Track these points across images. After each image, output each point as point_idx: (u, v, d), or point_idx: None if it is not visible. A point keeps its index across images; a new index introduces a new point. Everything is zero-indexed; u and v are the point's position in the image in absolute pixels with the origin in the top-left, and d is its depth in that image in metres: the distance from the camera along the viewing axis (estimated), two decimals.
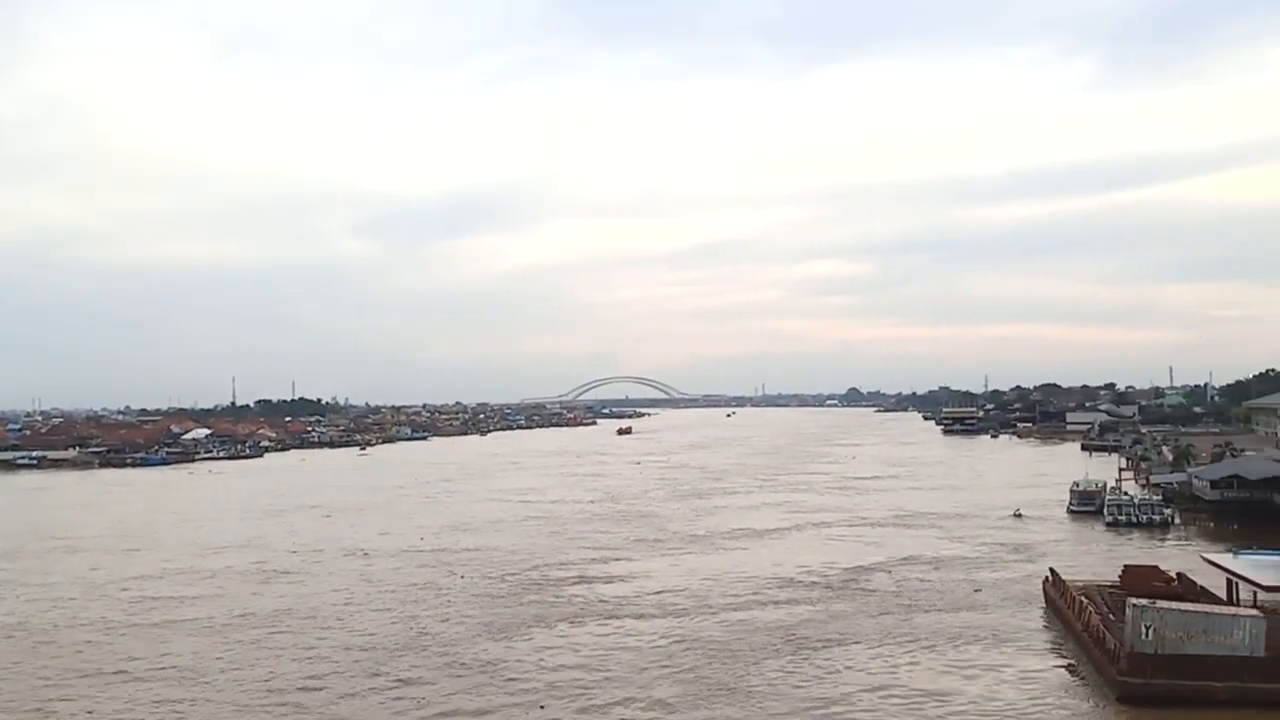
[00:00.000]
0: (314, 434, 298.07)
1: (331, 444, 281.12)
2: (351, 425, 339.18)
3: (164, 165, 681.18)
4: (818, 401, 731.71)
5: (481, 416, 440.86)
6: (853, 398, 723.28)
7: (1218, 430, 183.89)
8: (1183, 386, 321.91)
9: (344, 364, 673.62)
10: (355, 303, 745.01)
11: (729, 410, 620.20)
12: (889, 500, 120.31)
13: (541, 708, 43.18)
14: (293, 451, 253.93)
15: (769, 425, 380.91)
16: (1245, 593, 55.55)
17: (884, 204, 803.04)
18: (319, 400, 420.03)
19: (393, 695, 45.41)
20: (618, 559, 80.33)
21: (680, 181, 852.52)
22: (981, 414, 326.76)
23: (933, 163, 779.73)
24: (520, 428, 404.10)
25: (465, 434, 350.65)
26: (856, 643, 52.71)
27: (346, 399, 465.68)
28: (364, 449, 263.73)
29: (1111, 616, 51.82)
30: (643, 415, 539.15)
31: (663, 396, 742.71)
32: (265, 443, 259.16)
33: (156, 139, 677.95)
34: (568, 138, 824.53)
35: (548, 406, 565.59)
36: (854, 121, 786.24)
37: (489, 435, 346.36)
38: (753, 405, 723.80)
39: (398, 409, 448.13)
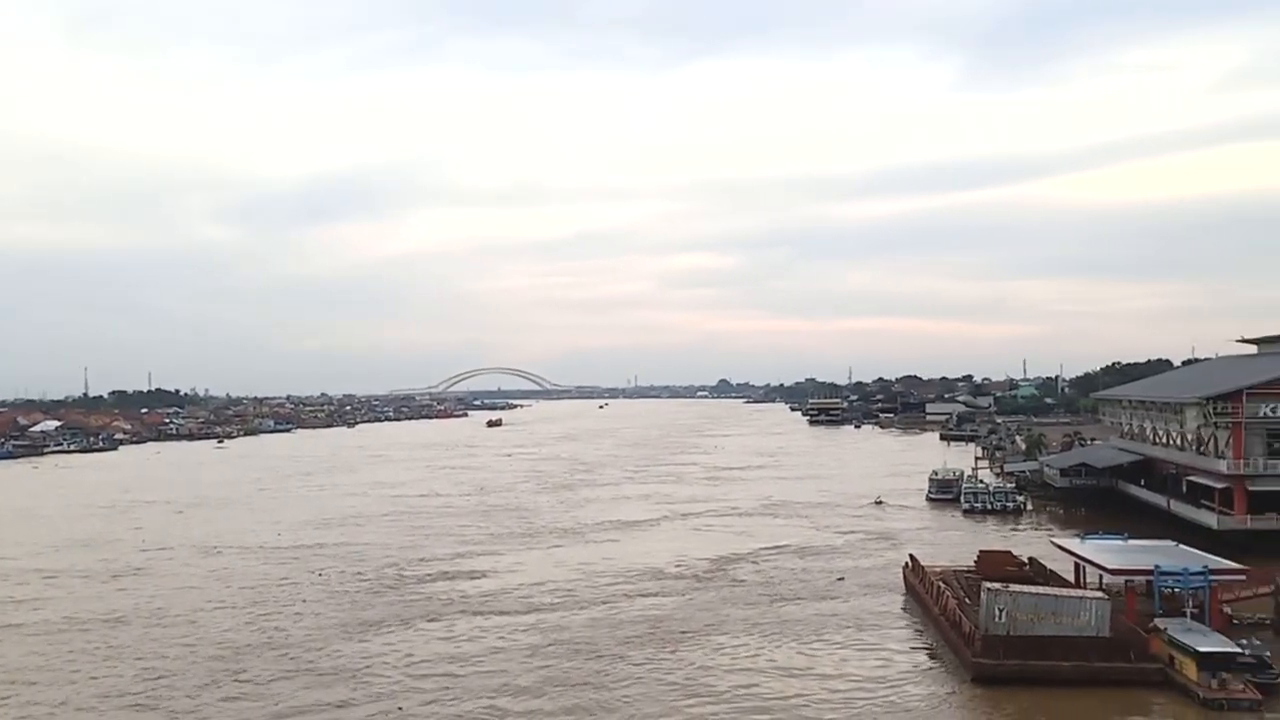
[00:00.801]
0: (172, 426, 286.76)
1: (190, 436, 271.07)
2: (212, 417, 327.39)
3: (10, 146, 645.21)
4: (689, 393, 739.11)
5: (348, 408, 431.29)
6: (723, 389, 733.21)
7: (1068, 420, 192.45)
8: (1036, 378, 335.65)
9: (205, 354, 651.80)
10: (217, 291, 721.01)
11: (602, 402, 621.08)
12: (756, 490, 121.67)
13: (399, 708, 41.71)
14: (149, 444, 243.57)
15: (641, 416, 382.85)
16: (1092, 575, 57.76)
17: (753, 199, 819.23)
18: (177, 391, 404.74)
19: (239, 697, 43.27)
20: (484, 553, 78.84)
21: (555, 172, 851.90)
22: (846, 405, 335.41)
23: (799, 159, 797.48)
24: (389, 419, 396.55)
25: (331, 426, 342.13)
26: (723, 633, 52.79)
27: (207, 390, 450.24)
28: (222, 441, 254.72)
29: (967, 600, 53.12)
30: (515, 407, 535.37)
31: (536, 388, 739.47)
32: (120, 435, 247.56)
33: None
34: (441, 125, 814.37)
35: (417, 398, 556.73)
36: (725, 117, 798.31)
37: (356, 427, 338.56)
38: (625, 397, 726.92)
39: (260, 400, 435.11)
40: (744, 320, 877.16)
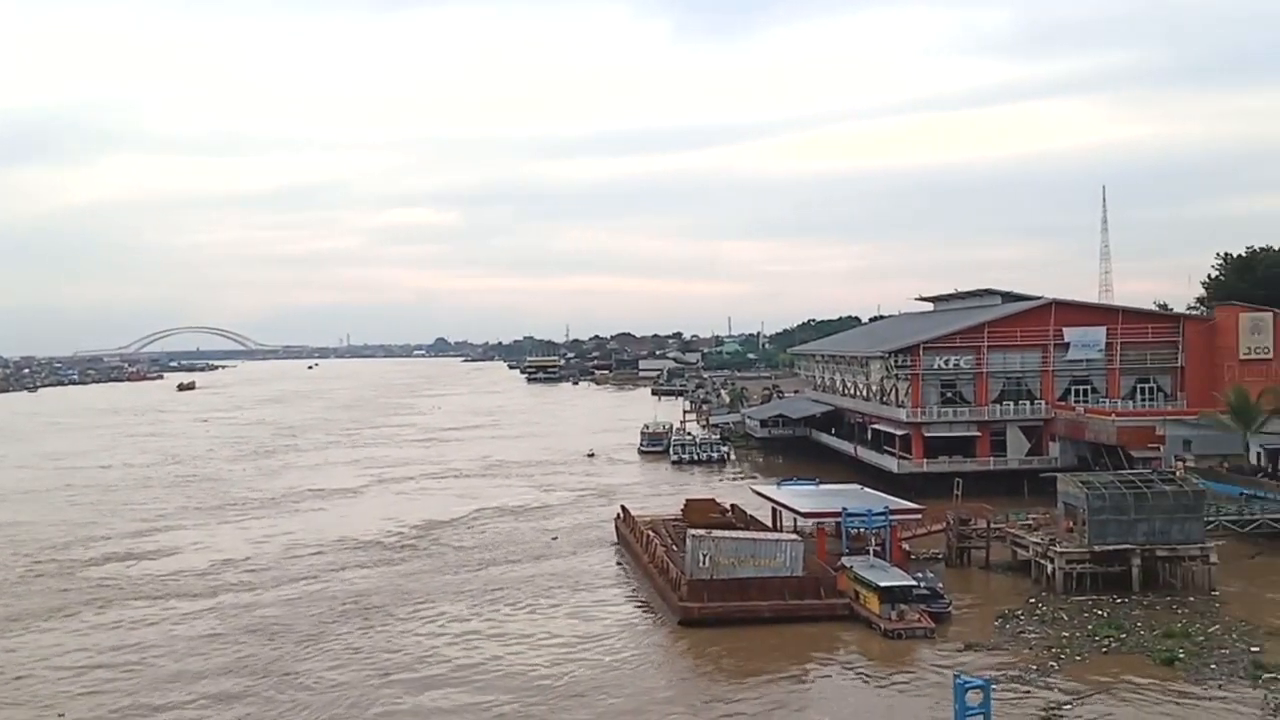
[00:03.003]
0: None
1: None
2: None
3: None
4: (405, 352, 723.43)
5: (27, 371, 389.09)
6: (440, 348, 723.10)
7: (768, 375, 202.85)
8: (740, 335, 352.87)
9: None
10: None
11: (311, 362, 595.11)
12: (473, 450, 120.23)
13: (60, 716, 36.88)
14: None
15: (354, 377, 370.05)
16: (788, 519, 60.83)
17: (472, 155, 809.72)
18: None
19: None
20: (169, 529, 72.67)
21: (260, 121, 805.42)
22: (563, 362, 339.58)
23: (519, 116, 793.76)
24: (73, 383, 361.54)
25: (6, 390, 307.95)
26: (431, 603, 50.68)
27: None
28: None
29: (674, 547, 54.48)
30: (217, 368, 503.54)
31: (239, 348, 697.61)
32: None
33: None
34: (136, 67, 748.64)
35: (106, 360, 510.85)
36: (442, 70, 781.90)
37: (38, 392, 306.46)
38: (337, 356, 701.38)
39: None
40: (463, 278, 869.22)
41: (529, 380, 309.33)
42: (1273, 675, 36.39)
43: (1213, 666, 37.90)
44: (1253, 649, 39.67)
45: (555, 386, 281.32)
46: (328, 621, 47.69)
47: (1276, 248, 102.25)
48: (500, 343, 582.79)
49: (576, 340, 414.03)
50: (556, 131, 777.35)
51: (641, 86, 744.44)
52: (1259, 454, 69.18)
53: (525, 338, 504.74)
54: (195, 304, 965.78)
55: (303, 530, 71.13)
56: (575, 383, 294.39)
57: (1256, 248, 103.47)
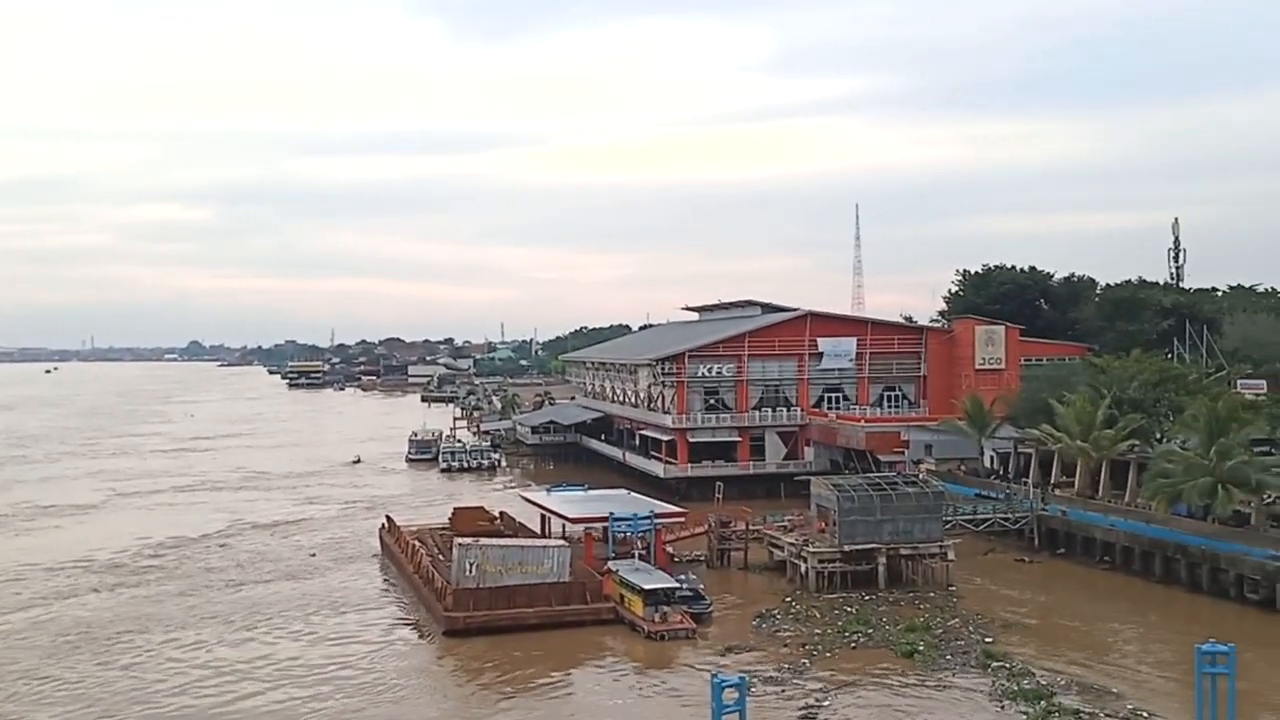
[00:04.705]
0: None
1: None
2: None
3: None
4: (156, 355, 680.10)
5: None
6: (195, 351, 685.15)
7: (540, 381, 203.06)
8: (513, 341, 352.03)
9: None
10: None
11: (50, 365, 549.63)
12: (229, 461, 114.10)
13: None
14: None
15: (98, 381, 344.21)
16: (557, 525, 61.04)
17: (228, 150, 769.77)
18: None
19: None
20: None
21: None
22: (328, 368, 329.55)
23: (281, 113, 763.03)
24: None
25: None
26: (178, 629, 47.16)
27: None
28: None
29: (441, 557, 53.57)
30: None
31: None
32: None
33: None
34: None
35: None
36: (198, 62, 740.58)
37: None
38: (81, 359, 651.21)
39: None
40: (220, 278, 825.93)
41: (290, 386, 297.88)
42: (1001, 663, 39.38)
43: (948, 657, 40.63)
44: (986, 640, 42.82)
45: (319, 393, 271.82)
46: (53, 654, 43.40)
47: (1009, 265, 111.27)
48: (260, 347, 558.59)
49: (342, 345, 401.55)
50: (322, 129, 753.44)
51: (413, 87, 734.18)
52: (992, 457, 75.15)
53: (287, 341, 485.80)
54: None
55: (34, 551, 64.96)
56: (340, 388, 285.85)
57: (992, 265, 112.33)
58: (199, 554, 64.24)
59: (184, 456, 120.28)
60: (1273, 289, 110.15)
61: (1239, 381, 72.87)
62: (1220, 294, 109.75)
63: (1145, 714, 34.15)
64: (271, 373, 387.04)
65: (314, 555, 63.46)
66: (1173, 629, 44.52)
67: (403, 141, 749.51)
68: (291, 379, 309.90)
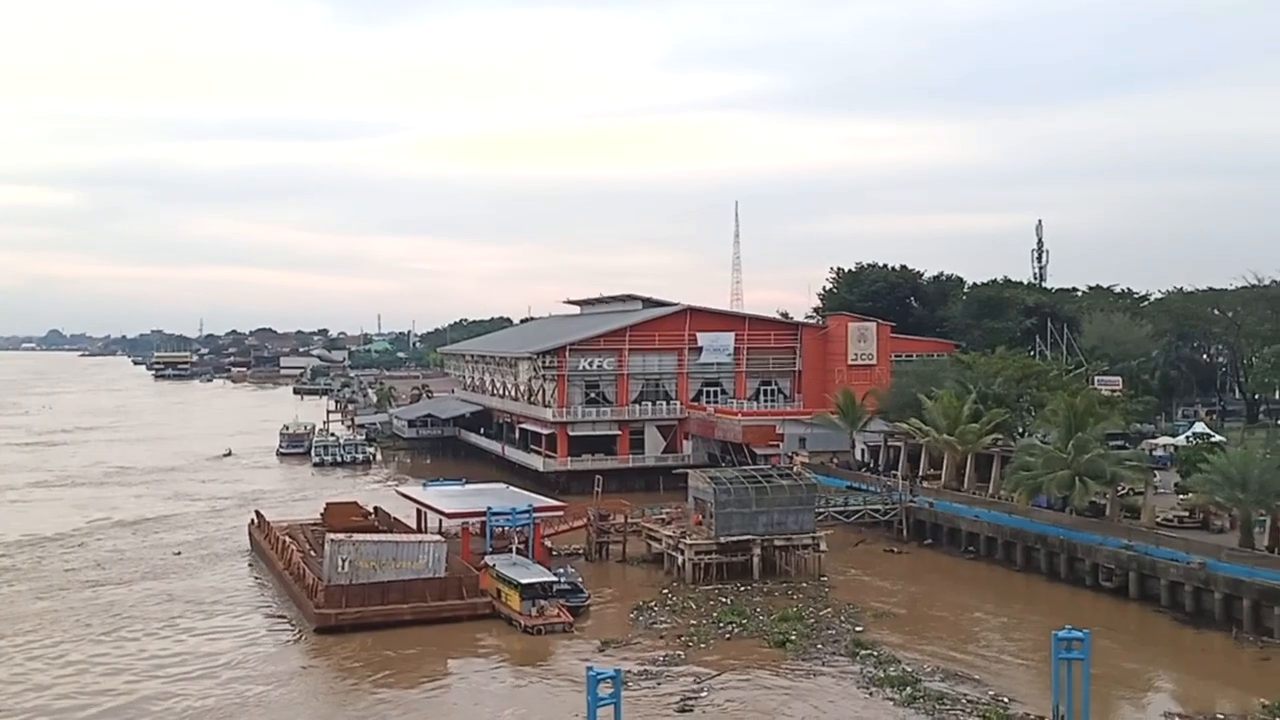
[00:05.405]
0: None
1: None
2: None
3: None
4: (12, 345, 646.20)
5: None
6: (55, 341, 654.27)
7: (418, 374, 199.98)
8: (390, 333, 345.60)
9: None
10: None
11: None
12: (89, 455, 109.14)
13: None
14: None
15: None
16: (434, 521, 60.17)
17: (92, 132, 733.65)
18: None
19: None
20: None
21: None
22: (196, 359, 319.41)
23: (150, 96, 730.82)
24: None
25: None
26: (27, 633, 44.72)
27: None
28: None
29: (313, 553, 52.36)
30: None
31: None
32: None
33: None
34: None
35: None
36: (60, 41, 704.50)
37: None
38: None
39: None
40: (82, 265, 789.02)
41: (156, 377, 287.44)
42: (870, 652, 40.41)
43: (820, 646, 41.52)
44: (856, 629, 43.88)
45: (187, 384, 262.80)
46: None
47: (882, 264, 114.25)
48: (125, 336, 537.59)
49: (212, 335, 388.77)
50: (192, 114, 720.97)
51: (292, 72, 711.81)
52: (863, 450, 77.05)
53: (153, 331, 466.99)
54: None
55: None
56: (208, 380, 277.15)
57: (865, 263, 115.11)
58: (55, 553, 61.30)
59: (40, 451, 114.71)
60: (1129, 290, 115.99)
61: (1096, 378, 76.42)
62: (1080, 294, 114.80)
63: (1006, 699, 35.44)
64: (136, 364, 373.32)
65: (179, 553, 61.11)
66: (1033, 616, 46.36)
67: (280, 128, 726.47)
68: (158, 370, 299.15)
